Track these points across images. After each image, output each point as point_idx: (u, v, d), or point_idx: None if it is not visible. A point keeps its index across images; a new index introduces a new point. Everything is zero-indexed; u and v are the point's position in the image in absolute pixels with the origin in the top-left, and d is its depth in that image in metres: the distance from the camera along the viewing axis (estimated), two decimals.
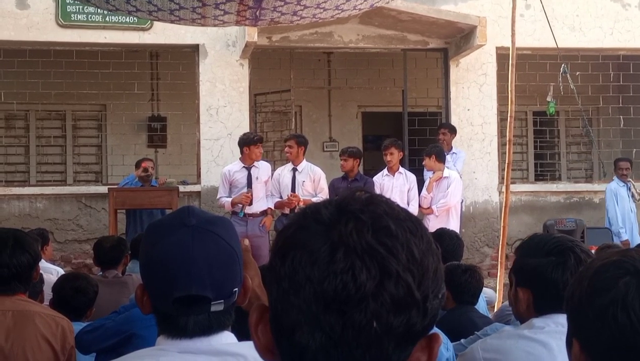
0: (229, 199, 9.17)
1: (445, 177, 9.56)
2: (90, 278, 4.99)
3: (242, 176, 9.22)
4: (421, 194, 9.60)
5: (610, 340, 1.35)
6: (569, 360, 1.48)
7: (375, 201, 1.08)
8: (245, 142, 9.25)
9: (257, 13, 4.63)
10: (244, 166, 9.24)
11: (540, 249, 2.57)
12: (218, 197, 9.41)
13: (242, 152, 9.27)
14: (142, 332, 3.60)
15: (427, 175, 10.28)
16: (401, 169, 9.73)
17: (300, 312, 1.03)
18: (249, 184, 9.19)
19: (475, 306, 5.13)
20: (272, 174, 9.50)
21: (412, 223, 1.07)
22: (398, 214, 1.08)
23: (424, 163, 9.78)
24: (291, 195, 9.14)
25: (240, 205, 9.06)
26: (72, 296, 4.55)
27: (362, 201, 1.08)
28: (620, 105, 12.38)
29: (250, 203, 9.06)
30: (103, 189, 10.44)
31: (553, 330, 2.49)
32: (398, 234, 1.04)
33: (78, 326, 4.24)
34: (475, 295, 4.75)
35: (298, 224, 1.08)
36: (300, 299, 1.03)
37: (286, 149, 9.52)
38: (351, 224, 1.04)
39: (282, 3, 4.52)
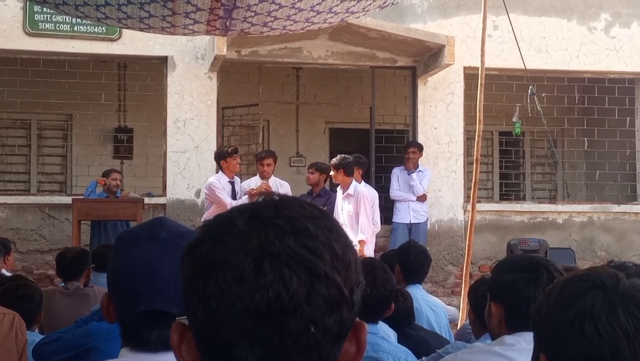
0: (245, 197, 9.09)
1: (350, 194, 8.98)
2: (31, 283, 4.93)
3: (228, 190, 9.26)
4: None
5: (577, 352, 1.38)
6: None
7: (287, 205, 1.07)
8: (221, 156, 9.31)
9: (228, 23, 4.62)
10: (229, 180, 9.28)
11: (515, 265, 2.64)
12: (229, 202, 9.02)
13: (220, 167, 9.34)
14: (100, 346, 3.55)
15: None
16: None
17: (234, 329, 1.01)
18: (234, 198, 9.23)
19: (437, 324, 5.16)
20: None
21: (326, 220, 1.07)
22: (312, 213, 1.07)
23: (331, 174, 9.22)
24: (264, 184, 9.15)
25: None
26: (18, 305, 4.47)
27: (275, 205, 1.07)
28: (585, 127, 12.51)
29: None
30: (67, 199, 10.31)
31: (524, 348, 2.51)
32: (318, 234, 1.03)
33: (34, 337, 4.18)
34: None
35: (213, 240, 1.05)
36: (232, 317, 1.01)
37: (265, 167, 9.49)
38: (271, 232, 1.02)
39: (253, 14, 4.52)
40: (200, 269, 1.04)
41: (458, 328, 6.18)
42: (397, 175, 10.75)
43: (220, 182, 9.27)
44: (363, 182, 9.59)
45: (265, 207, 1.06)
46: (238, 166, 9.41)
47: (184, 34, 5.34)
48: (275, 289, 0.99)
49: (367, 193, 9.08)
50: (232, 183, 9.31)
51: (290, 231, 1.02)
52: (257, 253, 1.01)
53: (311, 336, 1.01)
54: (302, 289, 1.00)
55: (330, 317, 1.02)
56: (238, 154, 9.51)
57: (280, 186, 9.49)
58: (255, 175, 9.66)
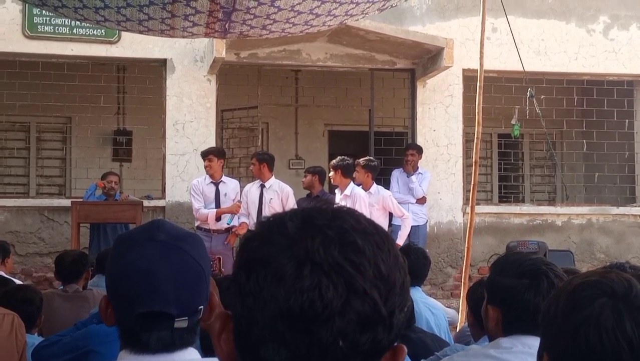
0: (214, 211, 9.07)
1: (347, 195, 8.86)
2: (32, 286, 4.95)
3: (210, 191, 9.20)
4: None
5: (579, 358, 1.36)
6: None
7: (341, 215, 1.07)
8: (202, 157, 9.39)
9: (227, 26, 4.63)
10: (211, 181, 9.22)
11: (515, 269, 2.57)
12: (197, 207, 9.16)
13: None
14: (99, 348, 3.56)
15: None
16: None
17: (265, 329, 1.01)
18: (217, 200, 9.15)
19: (437, 326, 5.16)
20: (241, 192, 9.45)
21: (379, 237, 1.06)
22: (365, 228, 1.06)
23: (330, 175, 9.22)
24: (237, 202, 9.11)
25: (229, 215, 9.01)
26: (19, 307, 4.47)
27: (329, 214, 1.06)
28: (584, 129, 12.53)
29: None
30: (66, 202, 10.30)
31: (520, 351, 2.49)
32: (365, 249, 1.03)
33: (34, 340, 4.18)
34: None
35: (262, 237, 1.06)
36: (265, 317, 1.01)
37: (251, 167, 9.54)
38: (318, 240, 1.02)
39: (252, 17, 4.52)
40: (245, 264, 1.05)
41: (457, 330, 6.19)
42: (397, 177, 10.74)
43: (200, 183, 9.25)
44: (375, 184, 9.46)
45: (320, 214, 1.07)
46: (211, 169, 9.22)
47: (183, 37, 5.34)
48: (310, 296, 0.99)
49: (364, 195, 9.04)
50: (217, 184, 9.25)
51: (337, 242, 1.02)
52: (300, 258, 1.01)
53: (338, 350, 1.00)
54: (337, 301, 0.99)
55: (363, 335, 1.01)
56: (207, 157, 9.26)
57: (280, 191, 9.31)
58: (257, 180, 9.55)
